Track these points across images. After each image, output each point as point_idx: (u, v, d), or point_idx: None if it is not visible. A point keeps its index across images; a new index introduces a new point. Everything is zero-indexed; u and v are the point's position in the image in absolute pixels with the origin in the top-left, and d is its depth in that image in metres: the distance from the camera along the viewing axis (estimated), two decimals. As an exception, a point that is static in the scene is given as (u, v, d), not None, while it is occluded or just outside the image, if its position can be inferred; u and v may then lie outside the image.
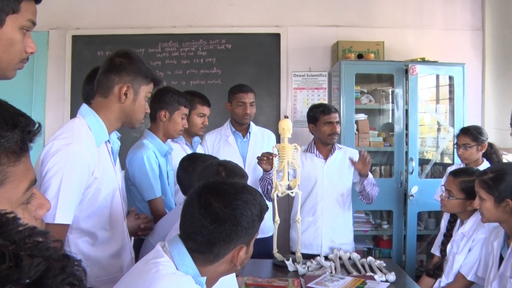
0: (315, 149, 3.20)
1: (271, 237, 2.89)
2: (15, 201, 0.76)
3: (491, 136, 3.88)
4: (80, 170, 1.64)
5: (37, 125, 0.76)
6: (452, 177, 2.58)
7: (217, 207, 1.30)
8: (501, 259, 2.18)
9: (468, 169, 2.70)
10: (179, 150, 2.97)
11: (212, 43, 4.60)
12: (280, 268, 2.70)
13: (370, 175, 3.14)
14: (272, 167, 2.80)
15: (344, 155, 3.22)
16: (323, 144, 3.20)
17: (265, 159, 2.82)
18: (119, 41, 4.45)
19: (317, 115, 3.16)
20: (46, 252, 0.38)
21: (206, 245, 1.32)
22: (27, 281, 0.34)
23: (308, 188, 3.15)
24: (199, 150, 3.24)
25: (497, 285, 2.15)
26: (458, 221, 2.67)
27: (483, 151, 3.24)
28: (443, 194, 2.60)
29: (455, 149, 3.57)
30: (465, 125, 3.62)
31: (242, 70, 4.54)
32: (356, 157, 3.16)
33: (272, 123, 4.34)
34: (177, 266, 1.32)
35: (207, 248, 1.32)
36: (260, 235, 2.80)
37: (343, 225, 3.21)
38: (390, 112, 4.43)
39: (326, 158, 3.19)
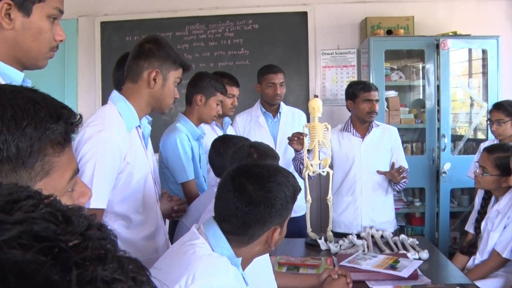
0: (352, 128, 3.19)
1: (303, 216, 2.92)
2: (61, 189, 0.79)
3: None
4: (112, 156, 1.68)
5: (78, 116, 0.79)
6: (486, 153, 2.55)
7: (251, 190, 1.32)
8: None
9: (503, 145, 2.66)
10: (209, 131, 3.00)
11: (239, 24, 4.59)
12: (312, 247, 2.72)
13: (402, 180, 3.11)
14: (303, 147, 2.81)
15: (383, 133, 3.21)
16: (361, 122, 3.18)
17: (296, 139, 2.82)
18: (147, 26, 4.49)
19: (357, 91, 3.13)
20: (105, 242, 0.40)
21: (241, 227, 1.34)
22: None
23: (345, 168, 3.16)
24: (230, 131, 3.27)
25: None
26: (493, 198, 2.65)
27: None
28: (477, 171, 2.58)
29: (488, 125, 3.51)
30: (499, 100, 3.53)
31: (270, 50, 4.53)
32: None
33: (302, 102, 4.34)
34: (213, 247, 1.35)
35: (242, 230, 1.35)
36: (292, 214, 2.86)
37: (383, 203, 3.19)
38: (421, 88, 4.37)
39: (363, 136, 3.17)
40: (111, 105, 1.81)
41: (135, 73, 1.83)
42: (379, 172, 3.08)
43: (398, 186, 3.15)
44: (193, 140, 2.70)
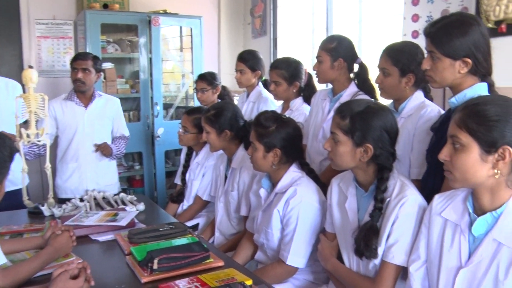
0: (75, 97, 3.29)
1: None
2: None
3: (226, 80, 4.50)
4: None
5: None
6: (186, 115, 3.00)
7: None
8: (226, 178, 2.72)
9: (199, 108, 3.14)
10: None
11: None
12: (36, 215, 2.73)
13: (116, 151, 3.39)
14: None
15: (105, 103, 3.39)
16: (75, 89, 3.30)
17: None
18: None
19: (71, 62, 3.27)
20: None
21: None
22: None
23: (69, 136, 3.27)
24: None
25: (223, 199, 2.69)
26: (194, 153, 3.13)
27: (217, 93, 3.71)
28: (180, 131, 3.01)
29: (194, 93, 3.99)
30: (202, 72, 4.02)
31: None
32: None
33: (16, 73, 4.16)
34: None
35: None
36: (12, 187, 2.84)
37: (106, 167, 3.42)
38: (136, 60, 4.67)
39: (86, 106, 3.31)
40: None
41: None
42: (96, 146, 3.29)
43: (113, 158, 3.42)
44: None
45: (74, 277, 1.52)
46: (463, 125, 1.34)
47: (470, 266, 1.38)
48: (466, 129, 1.33)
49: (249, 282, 1.66)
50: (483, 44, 1.68)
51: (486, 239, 1.36)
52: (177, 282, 1.67)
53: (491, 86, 1.73)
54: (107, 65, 4.40)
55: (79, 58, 3.25)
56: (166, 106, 4.74)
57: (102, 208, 2.80)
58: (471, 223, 1.41)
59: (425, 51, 1.82)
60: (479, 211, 1.41)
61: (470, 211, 1.43)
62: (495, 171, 1.32)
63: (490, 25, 2.80)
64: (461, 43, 1.66)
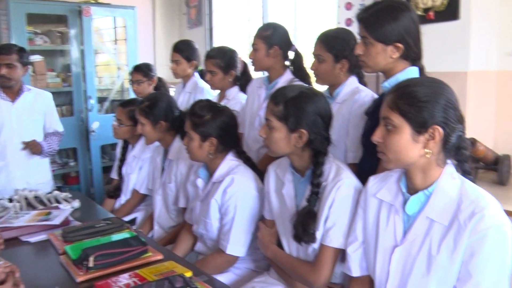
0: (0, 92, 3.10)
1: None
2: None
3: (162, 72, 4.41)
4: None
5: None
6: (121, 107, 2.92)
7: None
8: (163, 171, 2.66)
9: (134, 99, 3.06)
10: None
11: None
12: None
13: (48, 148, 3.23)
14: None
15: (35, 97, 3.22)
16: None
17: None
18: None
19: None
20: None
21: None
22: None
23: None
24: None
25: (161, 192, 2.64)
26: (129, 146, 3.05)
27: (153, 85, 3.62)
28: (115, 124, 2.92)
29: (130, 85, 3.89)
30: (137, 63, 3.93)
31: None
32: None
33: None
34: None
35: None
36: None
37: (37, 165, 3.25)
38: (68, 53, 4.49)
39: (13, 100, 3.13)
40: None
41: None
42: (24, 144, 3.13)
43: (45, 156, 3.26)
44: None
45: (1, 282, 1.43)
46: (394, 106, 1.37)
47: (405, 244, 1.42)
48: (397, 111, 1.36)
49: (188, 274, 1.64)
50: (414, 30, 1.72)
51: (419, 217, 1.40)
52: (114, 279, 1.62)
53: (421, 70, 1.77)
54: (35, 58, 4.20)
55: (2, 52, 3.04)
56: (101, 100, 4.60)
57: (34, 208, 2.68)
58: (404, 203, 1.45)
59: (358, 38, 1.85)
60: (412, 190, 1.44)
61: (404, 191, 1.46)
62: (426, 150, 1.35)
63: (419, 12, 2.90)
64: (393, 29, 1.69)
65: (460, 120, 1.38)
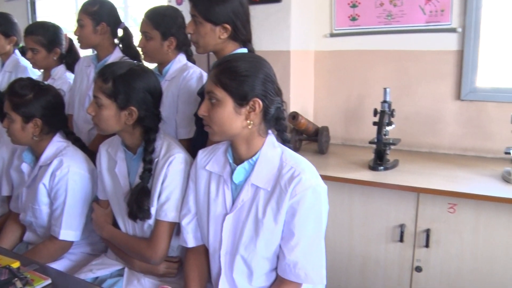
0: None
1: None
2: None
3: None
4: None
5: None
6: None
7: None
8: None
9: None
10: None
11: None
12: None
13: None
14: None
15: None
16: None
17: None
18: None
19: None
20: None
21: None
22: None
23: None
24: None
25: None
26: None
27: None
28: None
29: None
30: None
31: None
32: None
33: None
34: None
35: None
36: None
37: None
38: None
39: None
40: None
41: None
42: None
43: None
44: None
45: None
46: (217, 81, 1.43)
47: (235, 211, 1.51)
48: (220, 85, 1.43)
49: (16, 264, 1.54)
50: (242, 13, 1.80)
51: (245, 185, 1.50)
52: None
53: (250, 52, 1.87)
54: None
55: None
56: None
57: None
58: (232, 172, 1.54)
59: (186, 16, 1.88)
60: (238, 160, 1.54)
61: (231, 161, 1.55)
62: (248, 121, 1.45)
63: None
64: (221, 10, 1.75)
65: (278, 93, 1.50)
